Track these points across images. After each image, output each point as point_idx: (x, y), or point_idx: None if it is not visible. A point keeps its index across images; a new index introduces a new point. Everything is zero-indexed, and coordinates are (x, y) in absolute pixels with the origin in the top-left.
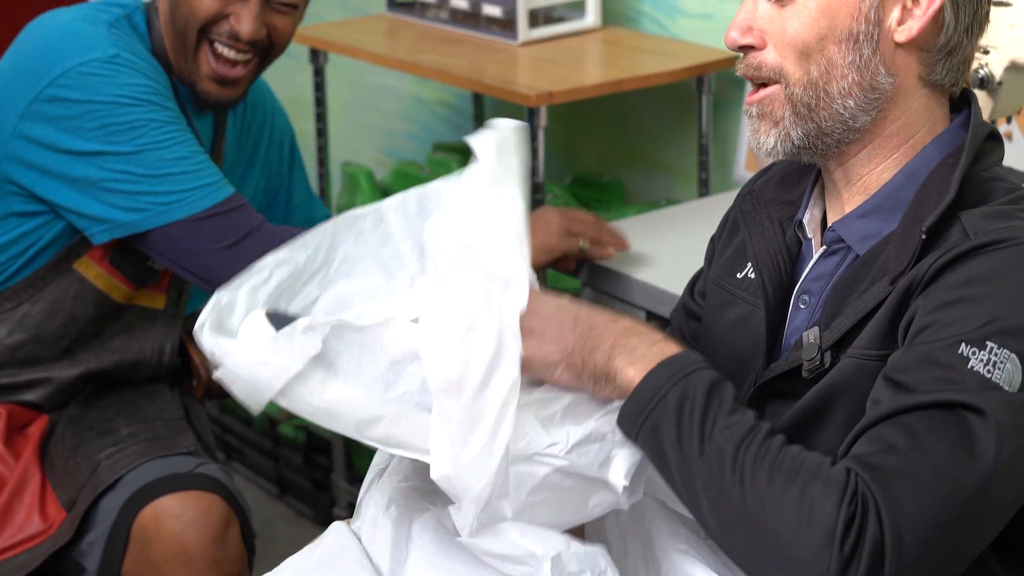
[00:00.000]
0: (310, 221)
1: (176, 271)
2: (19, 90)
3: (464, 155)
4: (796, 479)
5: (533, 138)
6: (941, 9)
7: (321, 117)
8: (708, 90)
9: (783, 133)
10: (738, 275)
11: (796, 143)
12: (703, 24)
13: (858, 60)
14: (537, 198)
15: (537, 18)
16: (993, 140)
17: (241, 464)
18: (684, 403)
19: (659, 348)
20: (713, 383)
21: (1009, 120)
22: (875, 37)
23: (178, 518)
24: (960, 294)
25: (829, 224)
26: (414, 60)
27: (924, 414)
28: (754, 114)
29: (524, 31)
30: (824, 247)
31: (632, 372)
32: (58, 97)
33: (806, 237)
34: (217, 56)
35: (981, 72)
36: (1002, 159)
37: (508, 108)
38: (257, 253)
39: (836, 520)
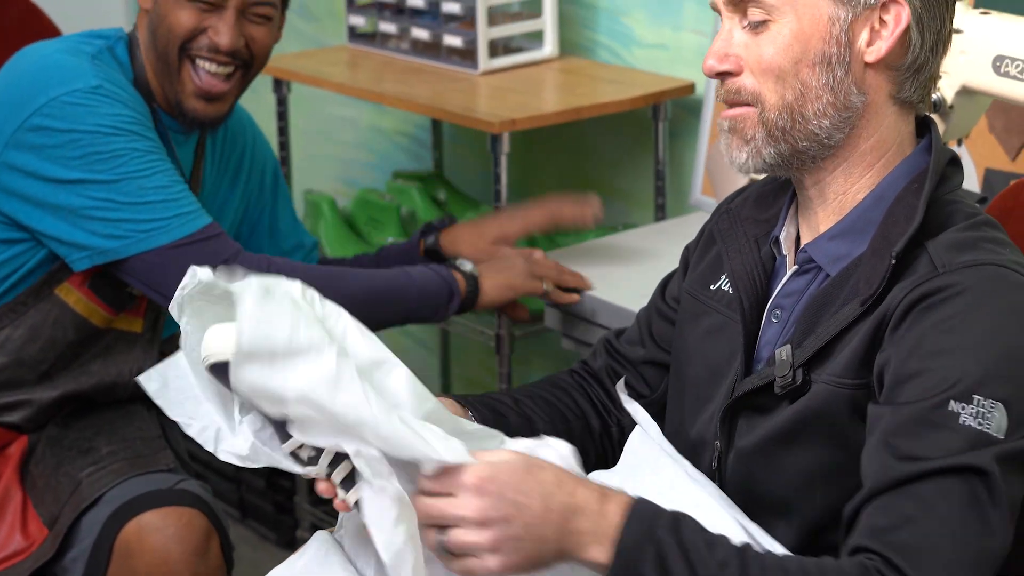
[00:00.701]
0: (298, 247)
1: (153, 297)
2: (3, 120)
3: (425, 182)
4: None
5: (496, 164)
6: (907, 29)
7: (284, 146)
8: (664, 117)
9: (754, 150)
10: (711, 287)
11: (768, 161)
12: (658, 54)
13: (831, 82)
14: None
15: (497, 48)
16: (953, 165)
17: None
18: (665, 562)
19: (608, 517)
20: (676, 526)
21: (959, 143)
22: (846, 59)
23: (160, 532)
24: (939, 344)
25: (802, 244)
26: (376, 89)
27: (932, 482)
28: (726, 128)
29: (484, 61)
30: (796, 266)
31: (596, 552)
32: (42, 126)
33: (781, 254)
34: (200, 72)
35: (934, 96)
36: (961, 183)
37: (468, 135)
38: None
39: None
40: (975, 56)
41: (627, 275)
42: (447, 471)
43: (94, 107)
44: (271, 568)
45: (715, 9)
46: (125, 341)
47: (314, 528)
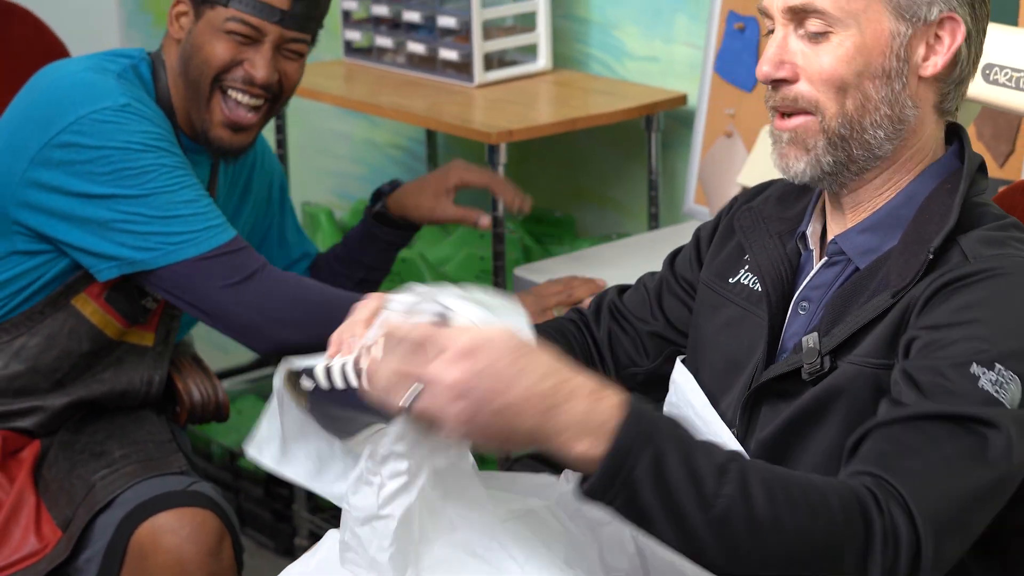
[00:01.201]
0: (305, 256)
1: (180, 307)
2: (30, 136)
3: None
4: (820, 513)
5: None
6: (961, 42)
7: (283, 159)
8: (657, 128)
9: (814, 160)
10: (730, 280)
11: (825, 170)
12: (650, 66)
13: (890, 95)
14: (498, 232)
15: (492, 62)
16: (981, 171)
17: None
18: (662, 464)
19: (601, 413)
20: (676, 429)
21: None
22: (904, 73)
23: (175, 533)
24: (967, 316)
25: (830, 237)
26: (374, 101)
27: (940, 423)
28: (784, 140)
29: (480, 74)
30: (825, 258)
31: (583, 446)
32: (71, 143)
33: (807, 248)
34: (230, 103)
35: None
36: (987, 187)
37: (463, 147)
38: (260, 292)
39: (873, 532)
40: None
41: (621, 280)
42: (439, 330)
43: (123, 124)
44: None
45: (765, 15)
46: (136, 353)
47: (312, 536)
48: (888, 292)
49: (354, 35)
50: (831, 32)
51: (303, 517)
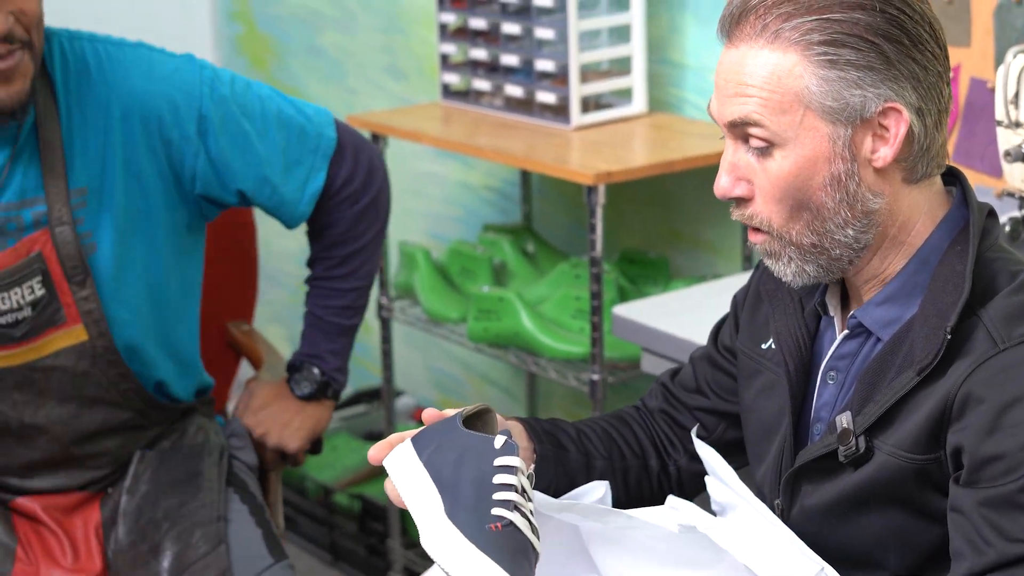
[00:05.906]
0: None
1: None
2: None
3: (515, 235)
4: None
5: (591, 214)
6: (909, 125)
7: None
8: None
9: (797, 269)
10: (763, 346)
11: (812, 274)
12: None
13: (846, 197)
14: (594, 272)
15: (588, 104)
16: (991, 217)
17: (294, 533)
18: None
19: None
20: None
21: None
22: (855, 172)
23: None
24: (1013, 423)
25: (851, 310)
26: (471, 143)
27: None
28: (763, 252)
29: (577, 116)
30: (846, 331)
31: None
32: None
33: (827, 314)
34: None
35: None
36: (999, 235)
37: (556, 189)
38: None
39: None
40: None
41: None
42: None
43: None
44: None
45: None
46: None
47: (407, 571)
48: (913, 369)
49: (452, 78)
50: (773, 147)
51: (397, 552)
